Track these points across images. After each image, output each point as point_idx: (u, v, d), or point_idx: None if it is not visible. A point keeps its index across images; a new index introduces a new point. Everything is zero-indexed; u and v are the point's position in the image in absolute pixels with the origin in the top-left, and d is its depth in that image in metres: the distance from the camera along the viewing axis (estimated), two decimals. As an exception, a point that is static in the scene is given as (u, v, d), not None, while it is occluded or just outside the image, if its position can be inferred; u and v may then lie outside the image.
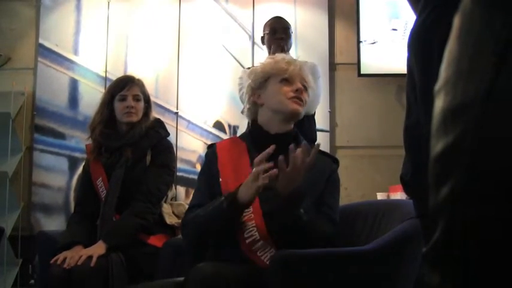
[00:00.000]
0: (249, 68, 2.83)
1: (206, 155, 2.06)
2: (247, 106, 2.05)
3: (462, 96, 0.54)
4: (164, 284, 1.94)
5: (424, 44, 0.95)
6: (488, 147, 0.51)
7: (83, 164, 2.77)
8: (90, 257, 2.22)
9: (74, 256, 2.22)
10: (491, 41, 0.53)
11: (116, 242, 2.33)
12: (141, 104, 2.59)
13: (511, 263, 0.51)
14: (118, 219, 2.42)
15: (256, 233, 1.78)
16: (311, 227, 1.77)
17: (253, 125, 2.02)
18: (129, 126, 2.57)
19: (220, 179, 1.90)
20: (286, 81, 1.95)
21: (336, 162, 2.03)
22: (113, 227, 2.39)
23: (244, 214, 1.79)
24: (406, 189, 1.06)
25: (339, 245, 1.89)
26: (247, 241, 1.77)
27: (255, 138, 1.98)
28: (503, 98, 0.50)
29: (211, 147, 2.05)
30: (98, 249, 2.28)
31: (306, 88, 1.99)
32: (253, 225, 1.79)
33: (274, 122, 1.96)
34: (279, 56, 2.07)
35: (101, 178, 2.54)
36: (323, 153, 2.05)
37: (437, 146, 0.57)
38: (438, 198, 0.56)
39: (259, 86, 1.99)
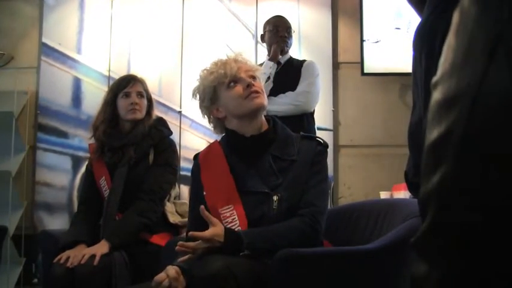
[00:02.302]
0: None
1: (192, 169, 2.01)
2: (212, 125, 2.00)
3: (455, 88, 0.56)
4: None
5: (427, 43, 0.95)
6: (476, 137, 0.53)
7: (86, 163, 2.77)
8: (93, 256, 2.22)
9: (77, 255, 2.21)
10: (483, 37, 0.55)
11: (119, 241, 2.33)
12: (145, 102, 2.60)
13: (498, 252, 0.52)
14: (121, 218, 2.42)
15: None
16: (280, 242, 1.67)
17: (227, 131, 1.95)
18: (132, 125, 2.57)
19: (205, 193, 1.87)
20: (233, 82, 1.88)
21: (321, 144, 1.91)
22: (115, 226, 2.39)
23: (231, 226, 1.75)
24: (409, 185, 1.06)
25: (334, 238, 1.87)
26: None
27: (232, 143, 1.93)
28: (492, 91, 0.52)
29: (195, 159, 2.01)
30: (101, 248, 2.28)
31: (253, 76, 1.91)
32: None
33: (245, 126, 1.89)
34: (211, 64, 1.96)
35: (103, 177, 2.54)
36: (309, 138, 1.95)
37: (430, 135, 0.59)
38: (428, 187, 0.58)
39: (212, 102, 1.92)
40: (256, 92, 1.87)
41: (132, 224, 2.39)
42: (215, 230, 1.67)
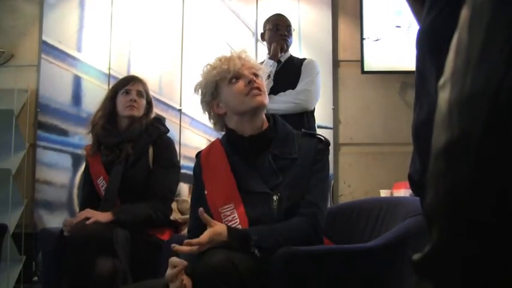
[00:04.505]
0: None
1: (194, 168, 2.01)
2: (213, 121, 1.98)
3: (471, 87, 0.50)
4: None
5: (435, 44, 0.92)
6: (496, 141, 0.47)
7: (84, 165, 2.78)
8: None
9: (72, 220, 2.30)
10: (503, 29, 0.49)
11: (124, 218, 2.33)
12: (144, 102, 2.62)
13: None
14: (132, 203, 2.43)
15: None
16: (284, 240, 1.66)
17: (227, 130, 1.94)
18: (129, 122, 2.59)
19: (206, 192, 1.87)
20: (235, 78, 1.87)
21: (322, 141, 1.89)
22: (125, 206, 2.41)
23: (232, 224, 1.75)
24: (414, 188, 1.03)
25: (334, 236, 1.87)
26: None
27: (232, 143, 1.92)
28: None
29: (197, 157, 2.01)
30: (103, 215, 2.29)
31: (256, 74, 1.90)
32: None
33: (245, 124, 1.88)
34: (215, 59, 1.95)
35: (102, 177, 2.55)
36: (310, 135, 1.93)
37: (440, 140, 0.53)
38: (436, 198, 0.52)
39: (213, 97, 1.91)
40: (258, 89, 1.86)
41: (141, 211, 2.41)
42: (214, 230, 1.64)
